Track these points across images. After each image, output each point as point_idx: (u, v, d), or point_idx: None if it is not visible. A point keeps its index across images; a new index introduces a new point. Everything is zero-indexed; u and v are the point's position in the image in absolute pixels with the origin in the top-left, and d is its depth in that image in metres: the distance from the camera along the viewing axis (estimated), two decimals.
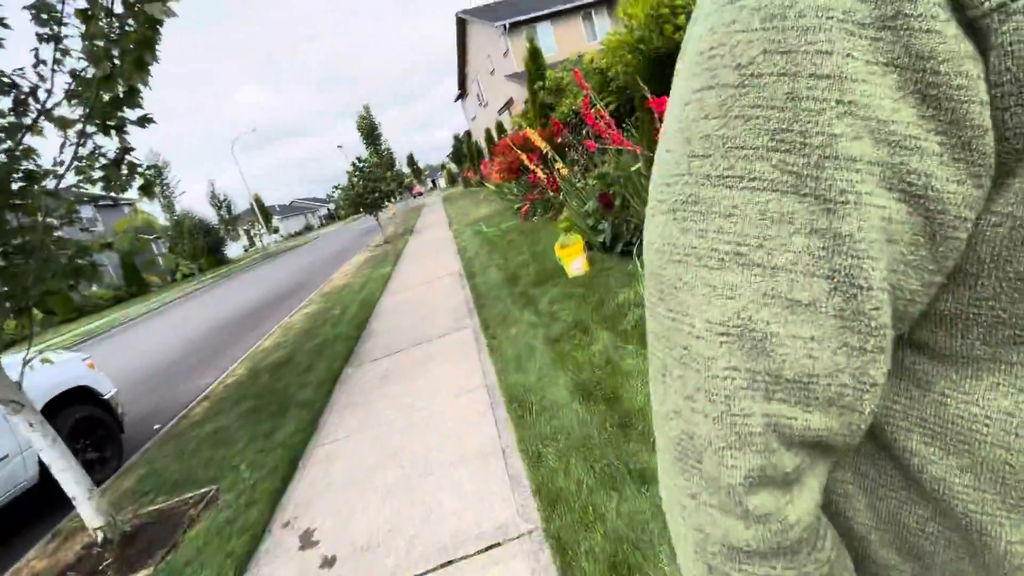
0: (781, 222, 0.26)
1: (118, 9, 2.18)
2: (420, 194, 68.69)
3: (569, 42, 21.68)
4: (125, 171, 2.45)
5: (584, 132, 5.85)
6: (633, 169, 3.97)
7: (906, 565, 0.34)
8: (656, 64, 3.22)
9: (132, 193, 2.65)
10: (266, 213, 59.93)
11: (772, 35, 0.24)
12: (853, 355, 0.27)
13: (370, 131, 32.72)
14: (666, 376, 0.31)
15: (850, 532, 0.36)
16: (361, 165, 13.79)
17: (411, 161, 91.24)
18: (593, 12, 22.16)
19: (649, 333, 0.33)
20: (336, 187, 14.50)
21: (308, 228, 73.14)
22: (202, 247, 34.39)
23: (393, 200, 15.30)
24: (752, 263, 0.27)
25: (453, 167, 56.57)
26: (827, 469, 0.32)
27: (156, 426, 4.51)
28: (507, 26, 21.35)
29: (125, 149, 2.43)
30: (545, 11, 21.58)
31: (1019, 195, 0.24)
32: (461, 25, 27.46)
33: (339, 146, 38.01)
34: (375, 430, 2.90)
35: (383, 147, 32.59)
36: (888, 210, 0.25)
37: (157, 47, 2.30)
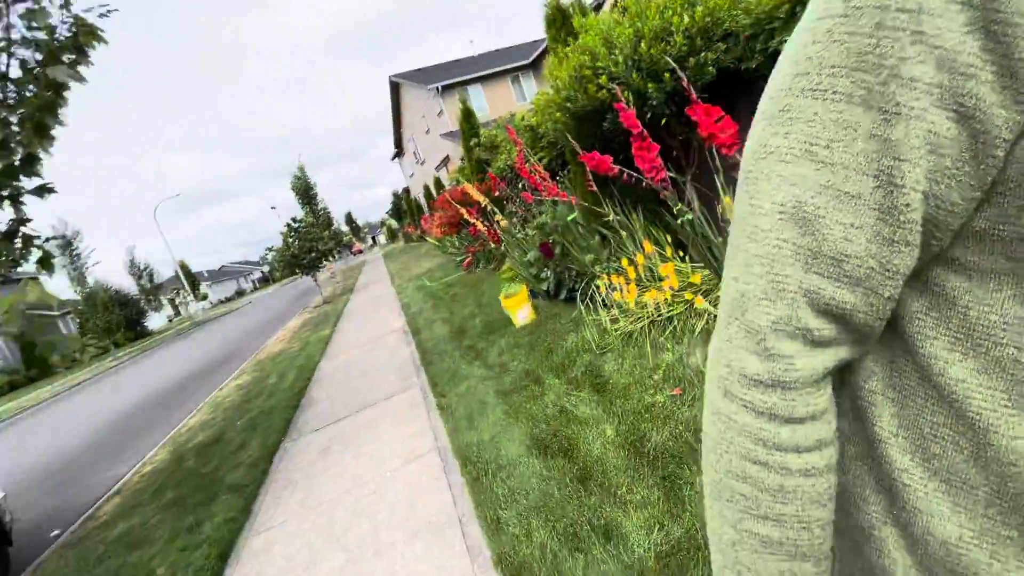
0: (848, 128, 0.32)
1: (15, 73, 2.03)
2: (360, 252, 67.70)
3: (499, 103, 22.81)
4: (19, 244, 2.21)
5: (520, 185, 6.04)
6: (569, 219, 4.10)
7: (916, 469, 0.38)
8: (583, 120, 3.40)
9: (30, 267, 2.39)
10: (193, 279, 56.52)
11: (851, 54, 0.31)
12: (884, 244, 0.33)
13: (305, 191, 32.28)
14: (736, 251, 0.38)
15: (874, 437, 0.40)
16: (297, 225, 13.45)
17: (349, 219, 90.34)
18: (520, 75, 23.58)
19: (733, 224, 0.40)
20: (270, 249, 13.98)
21: (240, 293, 69.57)
22: (118, 321, 31.66)
23: (332, 259, 14.91)
24: (819, 159, 0.33)
25: (393, 223, 56.51)
26: (847, 352, 0.38)
27: (54, 532, 3.89)
28: (439, 88, 22.20)
29: (20, 220, 2.20)
30: (475, 75, 22.71)
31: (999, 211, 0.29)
32: (395, 88, 28.27)
33: (272, 207, 36.99)
34: (317, 510, 2.64)
35: (319, 207, 32.11)
36: (936, 125, 0.30)
37: (62, 112, 2.15)
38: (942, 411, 0.36)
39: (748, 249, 0.37)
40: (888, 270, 0.34)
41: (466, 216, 6.16)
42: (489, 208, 5.82)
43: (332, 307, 12.05)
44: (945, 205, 0.32)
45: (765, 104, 0.37)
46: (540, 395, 2.94)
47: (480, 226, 6.04)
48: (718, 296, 2.75)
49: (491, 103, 22.84)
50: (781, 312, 0.35)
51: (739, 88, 3.09)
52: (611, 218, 3.46)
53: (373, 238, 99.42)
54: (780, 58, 0.37)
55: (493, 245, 6.74)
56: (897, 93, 0.30)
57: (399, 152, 35.59)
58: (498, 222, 5.84)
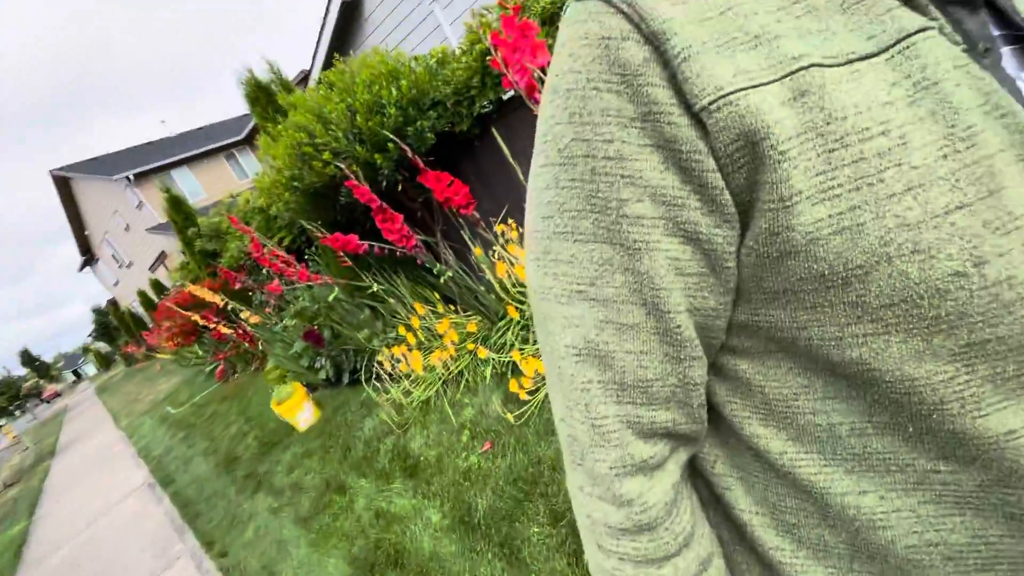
0: (604, 264, 0.34)
1: None
2: (56, 395, 51.04)
3: (216, 183, 20.39)
4: None
5: (264, 272, 5.39)
6: (331, 298, 3.80)
7: (784, 543, 0.38)
8: (317, 197, 3.20)
9: None
10: None
11: (575, 128, 0.32)
12: (675, 362, 0.35)
13: None
14: (553, 387, 0.39)
15: (739, 522, 0.41)
16: None
17: (28, 358, 67.54)
18: (236, 151, 21.60)
19: (542, 353, 0.40)
20: None
21: None
22: None
23: (11, 418, 10.73)
24: (589, 297, 0.35)
25: (102, 346, 44.37)
26: (685, 454, 0.40)
27: None
28: (131, 178, 18.61)
29: None
30: (178, 157, 19.84)
31: (755, 234, 0.31)
32: (63, 184, 22.53)
33: None
34: None
35: None
36: (672, 252, 0.32)
37: None
38: (781, 483, 0.38)
39: (562, 390, 0.38)
40: (688, 383, 0.36)
41: (201, 322, 5.17)
42: (231, 306, 5.02)
43: (21, 489, 8.60)
44: (708, 312, 0.35)
45: (529, 241, 0.38)
46: (348, 506, 2.57)
47: (224, 329, 5.14)
48: (497, 340, 2.88)
49: (206, 185, 20.25)
50: (614, 456, 0.36)
51: (458, 148, 3.37)
52: (375, 288, 3.33)
53: (76, 372, 76.28)
54: (530, 183, 0.38)
55: (248, 346, 5.83)
56: (630, 231, 0.32)
57: (89, 259, 28.38)
58: (247, 319, 5.07)
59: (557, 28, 2.73)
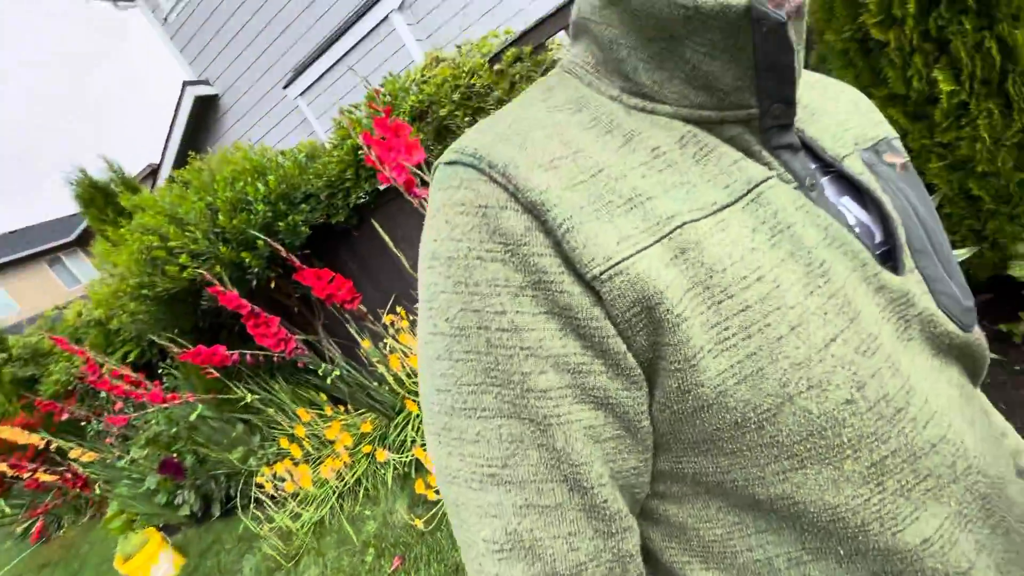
0: (515, 442, 0.31)
1: None
2: None
3: (36, 295, 17.27)
4: None
5: (103, 397, 4.52)
6: (194, 417, 3.28)
7: None
8: (174, 303, 2.84)
9: None
10: None
11: (463, 298, 0.31)
12: (606, 538, 0.32)
13: None
14: None
15: None
16: None
17: None
18: (63, 255, 18.68)
19: (457, 542, 0.35)
20: None
21: None
22: None
23: None
24: (504, 480, 0.31)
25: None
26: None
27: None
28: None
29: None
30: None
31: (666, 393, 0.31)
32: None
33: None
34: None
35: None
36: (586, 420, 0.31)
37: None
38: None
39: None
40: (624, 556, 0.34)
41: (9, 472, 4.10)
42: (53, 445, 4.08)
43: None
44: (630, 472, 0.33)
45: (427, 414, 0.34)
46: None
47: (44, 476, 4.12)
48: (396, 438, 2.68)
49: (22, 297, 17.03)
50: None
51: (336, 239, 3.27)
52: (249, 399, 2.95)
53: None
54: (420, 348, 0.35)
55: (80, 490, 4.72)
56: (539, 405, 0.30)
57: None
58: (77, 459, 4.14)
59: (428, 124, 2.87)
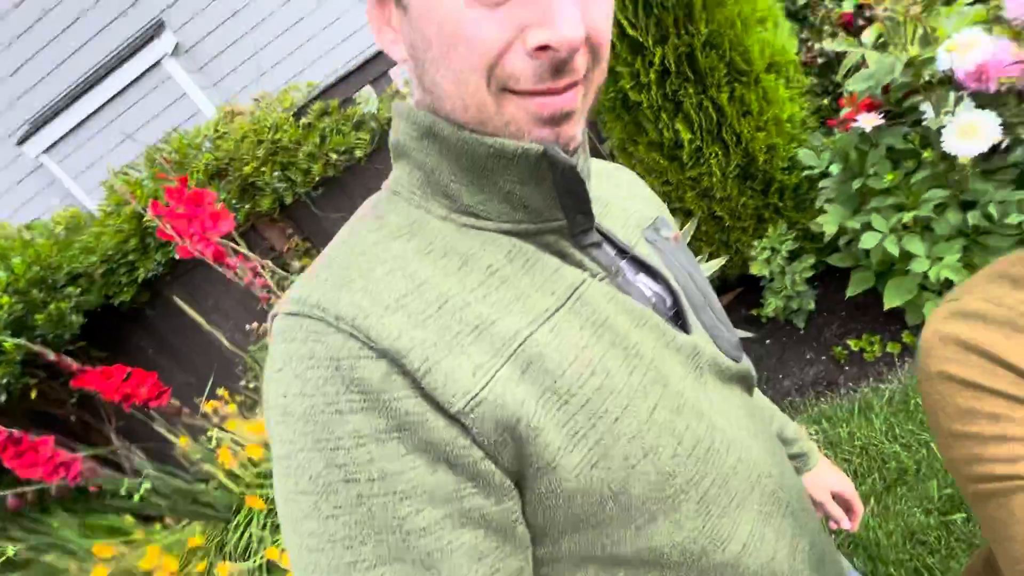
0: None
1: None
2: None
3: None
4: None
5: None
6: None
7: None
8: None
9: None
10: None
11: (326, 454, 0.30)
12: None
13: None
14: None
15: None
16: None
17: None
18: None
19: None
20: None
21: None
22: None
23: None
24: None
25: None
26: None
27: None
28: None
29: None
30: None
31: (536, 495, 0.35)
32: None
33: None
34: None
35: None
36: (467, 542, 0.32)
37: None
38: None
39: None
40: None
41: None
42: None
43: None
44: (515, 571, 0.35)
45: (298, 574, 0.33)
46: None
47: None
48: (239, 543, 2.29)
49: None
50: None
51: (124, 322, 2.73)
52: (10, 553, 2.24)
53: None
54: (281, 507, 0.33)
55: None
56: (420, 544, 0.31)
57: None
58: None
59: (229, 182, 2.60)
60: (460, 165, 0.37)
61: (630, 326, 0.39)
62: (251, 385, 2.41)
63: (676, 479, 0.38)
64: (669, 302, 0.46)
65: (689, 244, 1.95)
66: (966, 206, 1.35)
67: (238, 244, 1.70)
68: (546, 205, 0.38)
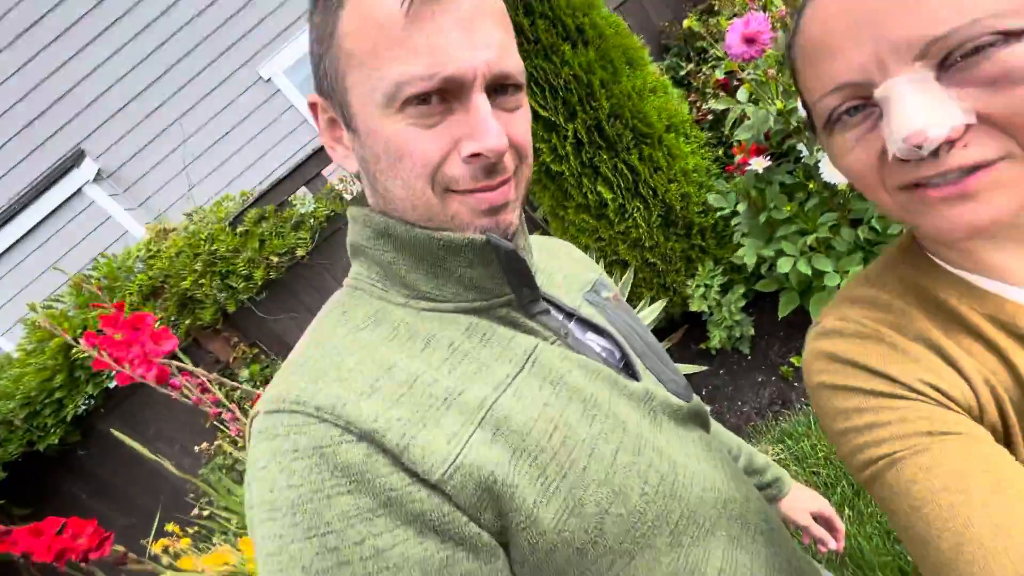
0: None
1: None
2: None
3: None
4: None
5: None
6: None
7: None
8: None
9: None
10: None
11: (317, 540, 0.31)
12: None
13: None
14: None
15: None
16: None
17: None
18: None
19: None
20: None
21: None
22: None
23: None
24: None
25: None
26: None
27: None
28: None
29: None
30: None
31: (520, 549, 0.37)
32: None
33: None
34: None
35: None
36: None
37: None
38: None
39: None
40: None
41: None
42: None
43: None
44: None
45: None
46: None
47: None
48: None
49: None
50: None
51: (52, 468, 2.47)
52: None
53: None
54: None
55: None
56: None
57: None
58: None
59: (164, 300, 2.52)
60: (415, 257, 0.42)
61: (585, 380, 0.43)
62: (206, 512, 2.21)
63: (647, 516, 0.40)
64: (618, 355, 0.51)
65: (630, 291, 2.07)
66: (855, 223, 1.54)
67: (183, 361, 1.63)
68: (495, 284, 0.42)
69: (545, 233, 2.64)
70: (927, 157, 0.31)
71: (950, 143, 0.31)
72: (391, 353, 0.38)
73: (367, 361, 0.37)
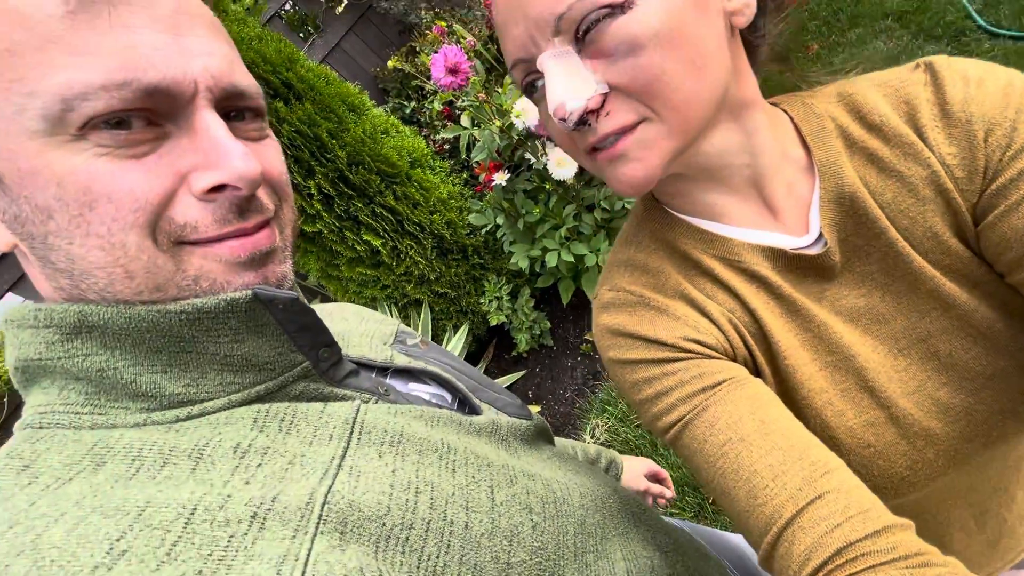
0: None
1: None
2: None
3: None
4: None
5: None
6: None
7: None
8: None
9: None
10: None
11: None
12: None
13: None
14: None
15: None
16: None
17: None
18: None
19: None
20: None
21: None
22: None
23: None
24: None
25: None
26: None
27: None
28: None
29: None
30: None
31: None
32: None
33: None
34: None
35: None
36: None
37: None
38: None
39: None
40: None
41: None
42: None
43: None
44: None
45: None
46: None
47: None
48: None
49: None
50: None
51: None
52: None
53: None
54: None
55: None
56: None
57: None
58: None
59: None
60: (145, 350, 0.29)
61: (428, 429, 0.37)
62: None
63: (547, 549, 0.35)
64: (449, 398, 0.46)
65: (433, 325, 2.04)
66: (590, 208, 1.79)
67: None
68: (278, 354, 0.32)
69: (325, 299, 2.43)
70: (583, 127, 0.33)
71: (595, 112, 0.33)
72: (135, 494, 0.25)
73: (90, 521, 0.23)
